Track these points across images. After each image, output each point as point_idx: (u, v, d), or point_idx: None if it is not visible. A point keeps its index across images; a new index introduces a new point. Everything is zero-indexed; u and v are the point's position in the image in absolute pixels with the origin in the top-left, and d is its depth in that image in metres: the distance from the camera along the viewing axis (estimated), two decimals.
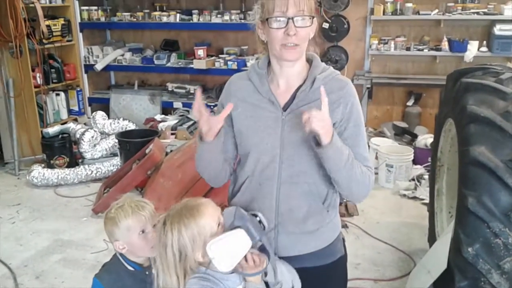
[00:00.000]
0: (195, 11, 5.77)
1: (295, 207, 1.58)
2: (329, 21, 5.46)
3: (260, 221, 1.45)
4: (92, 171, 4.80)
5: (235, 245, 1.38)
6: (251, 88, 1.62)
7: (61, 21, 5.58)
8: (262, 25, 1.54)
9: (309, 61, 1.64)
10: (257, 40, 1.62)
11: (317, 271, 1.64)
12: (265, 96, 1.59)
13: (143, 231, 1.70)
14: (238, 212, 1.46)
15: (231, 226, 1.43)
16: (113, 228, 1.71)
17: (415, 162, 4.71)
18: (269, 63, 1.64)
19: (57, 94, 5.66)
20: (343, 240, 1.76)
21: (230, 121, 1.64)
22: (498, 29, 4.99)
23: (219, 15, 5.69)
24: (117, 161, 4.87)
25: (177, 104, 5.92)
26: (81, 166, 4.86)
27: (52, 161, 4.91)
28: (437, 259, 2.32)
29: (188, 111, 5.87)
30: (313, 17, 1.51)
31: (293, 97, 1.58)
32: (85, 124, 5.66)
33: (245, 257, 1.41)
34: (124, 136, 4.83)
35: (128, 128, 5.34)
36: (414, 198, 4.29)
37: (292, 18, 1.47)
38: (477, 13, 5.09)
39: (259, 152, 1.58)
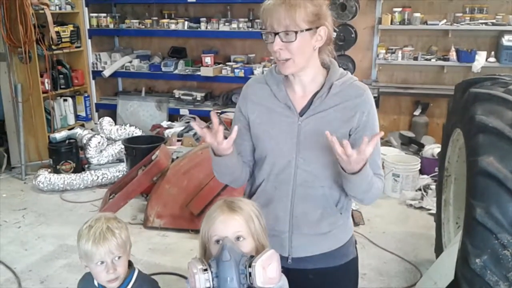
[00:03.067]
0: (203, 19, 5.79)
1: (310, 210, 1.60)
2: (337, 30, 5.47)
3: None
4: (98, 177, 4.81)
5: None
6: (267, 92, 1.63)
7: (70, 27, 5.63)
8: None
9: (327, 66, 1.64)
10: None
11: (330, 271, 1.66)
12: (282, 101, 1.60)
13: (101, 262, 1.62)
14: None
15: None
16: (77, 244, 1.65)
17: (421, 172, 4.68)
18: None
19: (65, 100, 5.69)
20: (355, 242, 1.77)
21: (247, 125, 1.65)
22: (506, 40, 4.98)
23: (226, 23, 5.71)
24: (123, 167, 4.88)
25: (184, 111, 5.93)
26: (87, 172, 4.88)
27: (58, 166, 4.92)
28: (444, 270, 2.30)
29: (194, 118, 5.88)
30: (296, 32, 1.46)
31: (309, 102, 1.59)
32: (92, 129, 5.68)
33: None
34: (130, 142, 4.84)
35: (134, 134, 5.37)
36: (421, 208, 4.26)
37: (278, 33, 1.47)
38: (485, 23, 5.08)
39: (274, 156, 1.59)
